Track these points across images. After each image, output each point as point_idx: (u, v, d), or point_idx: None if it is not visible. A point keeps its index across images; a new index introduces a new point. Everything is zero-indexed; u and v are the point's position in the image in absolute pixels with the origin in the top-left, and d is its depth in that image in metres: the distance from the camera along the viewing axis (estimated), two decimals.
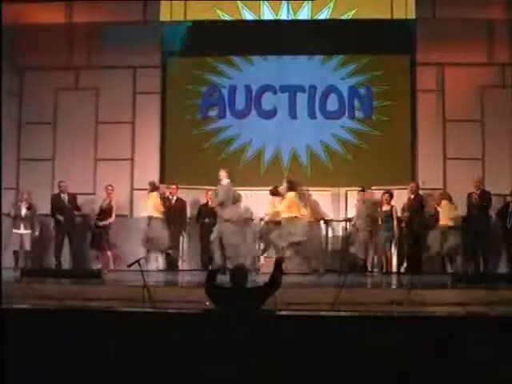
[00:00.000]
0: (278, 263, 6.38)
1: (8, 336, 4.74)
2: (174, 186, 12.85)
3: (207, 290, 5.98)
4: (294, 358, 4.61)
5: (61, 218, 12.45)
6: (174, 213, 12.79)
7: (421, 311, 7.93)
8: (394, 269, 12.59)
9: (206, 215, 12.90)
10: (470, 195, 12.12)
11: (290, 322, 5.12)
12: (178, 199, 12.96)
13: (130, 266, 8.94)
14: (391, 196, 12.35)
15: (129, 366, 4.69)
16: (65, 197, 12.61)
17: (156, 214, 12.30)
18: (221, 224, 11.96)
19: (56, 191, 12.77)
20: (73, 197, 12.68)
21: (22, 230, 12.34)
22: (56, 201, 12.57)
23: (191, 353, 4.62)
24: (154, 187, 12.45)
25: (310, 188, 13.42)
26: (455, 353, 4.46)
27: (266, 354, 4.58)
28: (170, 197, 12.87)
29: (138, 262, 8.49)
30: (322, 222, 13.10)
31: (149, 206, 12.32)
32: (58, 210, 12.49)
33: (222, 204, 11.96)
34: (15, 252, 12.34)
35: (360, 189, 12.66)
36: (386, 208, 12.39)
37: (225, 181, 12.06)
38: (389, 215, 12.40)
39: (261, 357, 4.57)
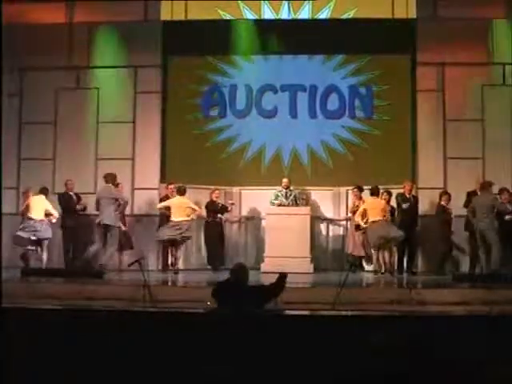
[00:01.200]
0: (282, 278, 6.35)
1: (9, 335, 4.74)
2: (171, 186, 12.77)
3: (213, 291, 5.98)
4: (296, 357, 4.61)
5: (70, 221, 12.41)
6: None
7: (421, 310, 7.94)
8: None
9: (211, 213, 12.93)
10: (470, 194, 12.05)
11: (290, 321, 5.12)
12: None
13: (130, 265, 8.98)
14: (390, 195, 12.33)
15: (129, 365, 4.69)
16: (73, 195, 12.55)
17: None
18: None
19: (57, 191, 12.71)
20: (77, 196, 12.66)
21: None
22: (64, 200, 12.47)
23: (192, 352, 4.63)
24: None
25: (310, 187, 13.47)
26: (455, 352, 4.47)
27: (267, 354, 4.58)
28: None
29: (138, 261, 8.52)
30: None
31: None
32: (65, 209, 12.42)
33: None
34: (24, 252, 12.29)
35: (355, 187, 12.66)
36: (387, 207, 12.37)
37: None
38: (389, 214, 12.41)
39: (262, 356, 4.57)
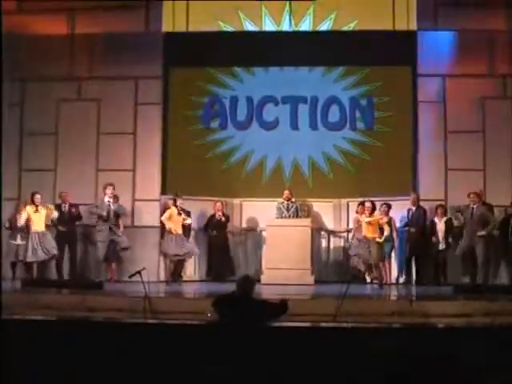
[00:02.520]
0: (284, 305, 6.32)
1: (8, 346, 4.73)
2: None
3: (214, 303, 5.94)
4: (297, 368, 4.60)
5: (62, 228, 12.46)
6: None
7: (423, 322, 7.91)
8: (394, 280, 12.62)
9: (214, 227, 12.92)
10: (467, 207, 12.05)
11: (292, 332, 5.11)
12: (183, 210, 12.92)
13: (130, 276, 8.96)
14: (389, 207, 12.35)
15: (129, 375, 4.68)
16: (65, 207, 12.59)
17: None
18: None
19: (58, 202, 12.73)
20: (75, 207, 12.66)
21: (18, 241, 12.25)
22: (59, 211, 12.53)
23: (192, 363, 4.61)
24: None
25: (311, 199, 13.45)
26: (456, 363, 4.45)
27: (268, 365, 4.57)
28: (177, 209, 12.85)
29: (139, 272, 8.51)
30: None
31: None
32: (58, 220, 12.46)
33: None
34: (13, 263, 12.32)
35: (360, 201, 12.63)
36: (385, 220, 12.36)
37: None
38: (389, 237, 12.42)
39: (263, 367, 4.56)
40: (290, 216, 12.80)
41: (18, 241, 12.22)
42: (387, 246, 12.35)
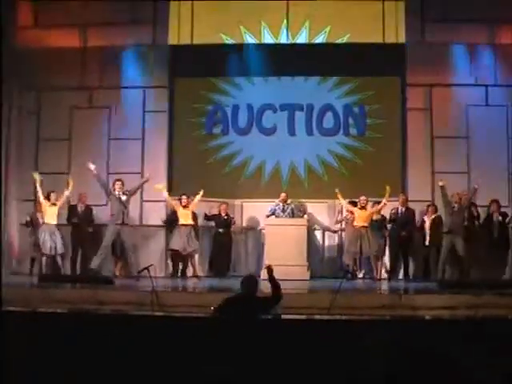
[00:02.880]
0: (269, 271, 6.33)
1: (21, 338, 4.72)
2: (185, 197, 12.78)
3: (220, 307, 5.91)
4: (293, 359, 4.59)
5: (75, 224, 12.48)
6: None
7: (411, 315, 7.92)
8: (385, 275, 12.62)
9: (220, 225, 12.93)
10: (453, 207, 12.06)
11: (289, 325, 5.10)
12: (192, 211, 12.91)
13: (139, 272, 8.96)
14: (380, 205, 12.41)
15: (136, 368, 4.66)
16: (82, 207, 12.60)
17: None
18: None
19: (71, 203, 12.74)
20: (88, 209, 12.68)
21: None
22: (72, 211, 12.55)
23: (196, 356, 4.60)
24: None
25: (307, 199, 13.45)
26: (444, 355, 4.45)
27: (266, 356, 4.56)
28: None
29: (147, 268, 8.51)
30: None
31: None
32: (74, 218, 12.49)
33: None
34: (32, 259, 12.36)
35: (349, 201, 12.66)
36: (376, 217, 12.41)
37: None
38: (380, 224, 12.45)
39: (261, 359, 4.56)
40: (285, 217, 12.80)
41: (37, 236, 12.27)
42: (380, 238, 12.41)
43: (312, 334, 4.76)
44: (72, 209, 12.63)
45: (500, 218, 12.10)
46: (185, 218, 12.42)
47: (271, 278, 6.29)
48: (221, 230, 12.96)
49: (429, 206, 12.45)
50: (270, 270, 6.40)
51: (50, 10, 13.34)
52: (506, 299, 8.41)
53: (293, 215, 12.87)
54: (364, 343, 4.49)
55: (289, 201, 13.00)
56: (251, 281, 6.14)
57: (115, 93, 13.49)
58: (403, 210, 12.51)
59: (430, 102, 13.15)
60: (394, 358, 4.16)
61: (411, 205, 12.71)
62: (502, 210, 12.26)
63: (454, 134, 12.96)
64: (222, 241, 12.97)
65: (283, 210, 12.87)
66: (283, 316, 5.90)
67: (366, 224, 12.17)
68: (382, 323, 5.27)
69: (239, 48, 13.66)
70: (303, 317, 6.03)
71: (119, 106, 13.45)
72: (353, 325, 5.12)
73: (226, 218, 13.02)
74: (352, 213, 12.43)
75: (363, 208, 12.27)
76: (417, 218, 12.65)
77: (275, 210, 12.87)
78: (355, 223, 12.23)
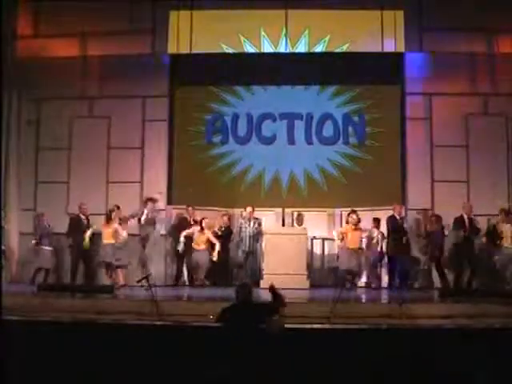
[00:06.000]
0: (270, 289, 6.34)
1: (20, 346, 4.74)
2: (190, 208, 12.83)
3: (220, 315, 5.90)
4: (294, 366, 4.62)
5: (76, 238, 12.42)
6: None
7: (411, 324, 7.93)
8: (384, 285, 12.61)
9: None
10: (457, 218, 12.05)
11: (289, 333, 5.13)
12: (195, 221, 12.92)
13: (139, 281, 8.97)
14: (378, 222, 12.45)
15: (136, 376, 4.68)
16: (84, 219, 12.55)
17: None
18: None
19: (70, 212, 12.75)
20: (87, 219, 12.67)
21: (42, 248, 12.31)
22: (74, 222, 12.48)
23: (196, 364, 4.63)
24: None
25: (307, 208, 13.46)
26: (441, 362, 4.47)
27: (267, 363, 4.58)
28: (189, 218, 12.88)
29: (146, 277, 8.52)
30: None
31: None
32: (74, 230, 12.41)
33: None
34: (37, 269, 12.36)
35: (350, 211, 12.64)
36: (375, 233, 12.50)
37: None
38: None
39: (262, 365, 4.58)
40: (250, 231, 12.80)
41: (42, 247, 12.29)
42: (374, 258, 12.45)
43: (312, 343, 4.79)
44: (73, 220, 12.54)
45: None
46: None
47: (274, 294, 6.29)
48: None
49: (432, 216, 12.40)
50: (272, 288, 6.39)
51: (50, 20, 13.42)
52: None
53: (257, 230, 12.88)
54: (362, 350, 4.52)
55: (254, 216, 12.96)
56: (245, 288, 6.16)
57: (115, 102, 13.53)
58: (398, 218, 12.38)
59: (430, 111, 13.19)
60: (389, 365, 4.19)
61: (411, 213, 12.73)
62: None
63: (453, 142, 12.99)
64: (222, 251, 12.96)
65: (249, 225, 12.86)
66: (284, 325, 5.90)
67: (357, 246, 12.20)
68: (381, 332, 5.30)
69: (238, 57, 13.70)
70: (304, 326, 6.05)
71: (119, 115, 13.48)
72: (352, 333, 5.14)
73: (227, 229, 13.02)
74: (346, 230, 12.37)
75: (356, 228, 12.23)
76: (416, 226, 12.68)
77: (241, 223, 12.88)
78: (348, 245, 12.21)
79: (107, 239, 12.00)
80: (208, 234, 12.44)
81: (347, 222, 12.39)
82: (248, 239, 12.77)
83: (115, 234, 11.96)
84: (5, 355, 4.62)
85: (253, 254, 12.84)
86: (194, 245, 12.47)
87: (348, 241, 12.18)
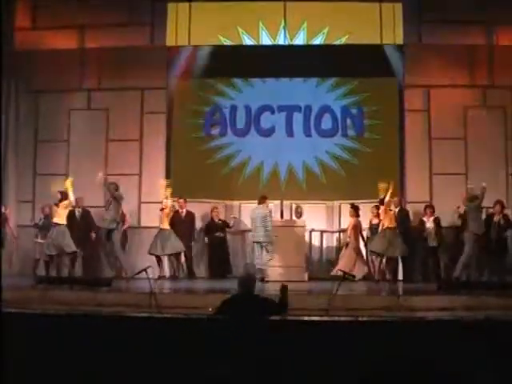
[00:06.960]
0: (283, 289, 6.28)
1: (19, 339, 4.73)
2: (182, 200, 12.84)
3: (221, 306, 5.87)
4: (293, 359, 4.61)
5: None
6: (183, 225, 12.80)
7: (410, 316, 7.92)
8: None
9: (216, 229, 13.01)
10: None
11: (288, 325, 5.12)
12: (188, 212, 12.94)
13: (137, 274, 8.96)
14: (379, 209, 12.38)
15: (135, 369, 4.67)
16: (79, 211, 12.56)
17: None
18: None
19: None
20: (86, 211, 12.67)
21: (40, 240, 12.31)
22: (71, 215, 12.46)
23: (195, 357, 4.61)
24: None
25: (305, 201, 13.46)
26: (441, 355, 4.46)
27: (267, 356, 4.58)
28: (180, 210, 12.87)
29: (145, 270, 8.50)
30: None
31: None
32: (70, 223, 12.39)
33: None
34: (36, 260, 12.38)
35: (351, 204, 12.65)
36: (375, 221, 12.43)
37: None
38: (377, 227, 12.44)
39: (262, 358, 4.57)
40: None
41: (40, 239, 12.28)
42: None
43: (310, 336, 4.78)
44: (70, 212, 12.50)
45: (502, 220, 11.97)
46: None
47: (283, 296, 6.24)
48: (220, 234, 12.99)
49: (427, 207, 12.44)
50: (284, 288, 6.31)
51: (48, 12, 13.40)
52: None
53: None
54: (361, 343, 4.51)
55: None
56: (248, 279, 6.12)
57: (113, 94, 13.51)
58: (396, 211, 12.38)
59: (428, 104, 13.19)
60: (388, 359, 4.19)
61: (410, 206, 12.73)
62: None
63: (451, 135, 12.99)
64: (219, 243, 12.97)
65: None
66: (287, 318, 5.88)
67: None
68: (380, 324, 5.29)
69: (237, 49, 13.67)
70: (303, 318, 6.04)
71: (117, 107, 13.45)
72: (351, 326, 5.13)
73: (220, 221, 13.05)
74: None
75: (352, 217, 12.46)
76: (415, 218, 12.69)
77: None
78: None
79: None
80: None
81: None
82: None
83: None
84: (4, 348, 4.61)
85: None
86: None
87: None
